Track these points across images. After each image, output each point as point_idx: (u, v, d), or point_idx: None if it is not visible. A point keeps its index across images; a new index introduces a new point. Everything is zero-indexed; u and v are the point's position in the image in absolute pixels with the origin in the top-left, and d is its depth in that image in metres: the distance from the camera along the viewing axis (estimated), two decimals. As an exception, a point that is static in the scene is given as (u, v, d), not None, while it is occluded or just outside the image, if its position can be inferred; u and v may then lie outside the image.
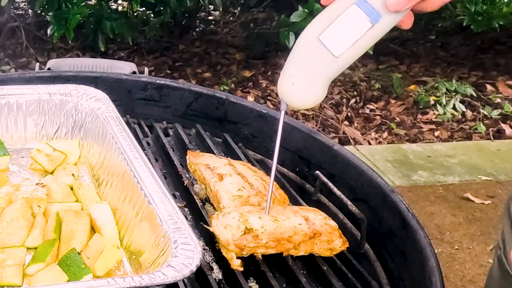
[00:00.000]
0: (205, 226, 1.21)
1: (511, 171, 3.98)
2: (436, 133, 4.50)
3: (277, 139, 1.15)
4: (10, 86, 1.54)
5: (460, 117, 4.69)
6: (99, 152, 1.43)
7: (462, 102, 4.79)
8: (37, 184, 1.35)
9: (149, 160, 1.30)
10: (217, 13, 5.98)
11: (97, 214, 1.23)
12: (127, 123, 1.58)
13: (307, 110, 4.60)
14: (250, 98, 4.60)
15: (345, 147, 2.31)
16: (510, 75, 5.30)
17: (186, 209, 1.37)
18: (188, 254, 1.03)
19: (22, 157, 1.49)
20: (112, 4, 4.93)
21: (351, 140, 4.31)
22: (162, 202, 1.15)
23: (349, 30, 1.00)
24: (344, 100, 4.79)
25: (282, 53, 4.92)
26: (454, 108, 4.73)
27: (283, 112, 1.11)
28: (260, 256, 1.18)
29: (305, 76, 1.04)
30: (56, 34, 3.83)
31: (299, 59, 1.05)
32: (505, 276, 1.56)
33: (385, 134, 4.45)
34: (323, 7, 1.03)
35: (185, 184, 1.40)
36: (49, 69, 1.92)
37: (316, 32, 1.02)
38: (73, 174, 1.40)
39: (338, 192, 1.36)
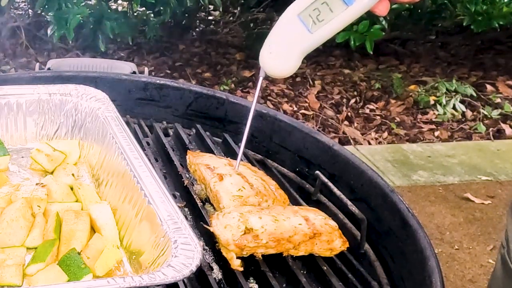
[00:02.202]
0: (205, 226, 1.21)
1: (511, 171, 3.97)
2: (436, 133, 4.50)
3: (254, 101, 1.30)
4: (10, 86, 1.54)
5: (460, 117, 4.69)
6: (99, 152, 1.43)
7: (462, 102, 4.79)
8: (37, 184, 1.35)
9: (149, 160, 1.30)
10: (217, 13, 5.98)
11: (97, 214, 1.23)
12: (127, 123, 1.58)
13: (307, 110, 4.60)
14: (250, 98, 4.60)
15: (345, 147, 2.31)
16: (510, 75, 5.29)
17: (186, 209, 1.37)
18: (188, 254, 1.03)
19: (22, 157, 1.49)
20: (112, 4, 4.92)
21: (351, 140, 4.31)
22: (162, 202, 1.15)
23: (325, 10, 1.14)
24: (344, 100, 4.79)
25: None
26: (454, 108, 4.73)
27: (261, 78, 1.25)
28: (260, 256, 1.18)
29: (282, 47, 1.19)
30: (56, 34, 3.83)
31: (279, 32, 1.19)
32: (509, 275, 1.56)
33: (385, 134, 4.45)
34: None
35: (185, 184, 1.40)
36: (49, 69, 1.92)
37: (296, 10, 1.17)
38: (73, 174, 1.40)
39: (338, 192, 1.36)
